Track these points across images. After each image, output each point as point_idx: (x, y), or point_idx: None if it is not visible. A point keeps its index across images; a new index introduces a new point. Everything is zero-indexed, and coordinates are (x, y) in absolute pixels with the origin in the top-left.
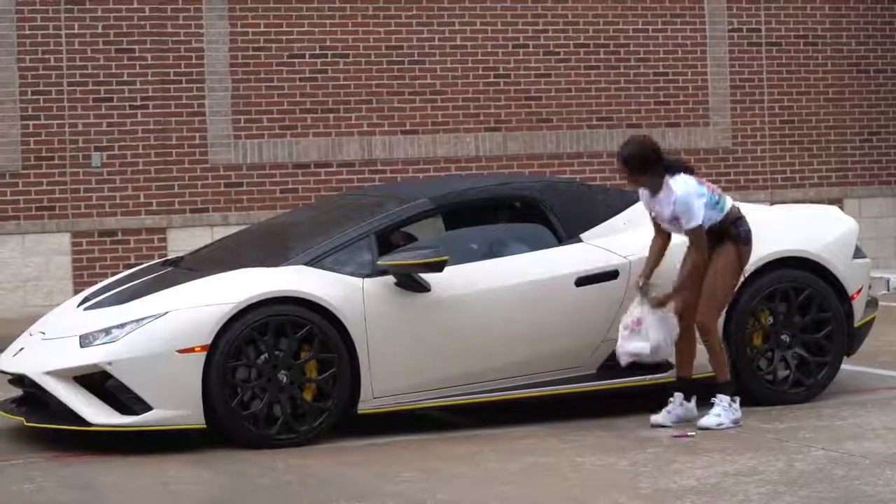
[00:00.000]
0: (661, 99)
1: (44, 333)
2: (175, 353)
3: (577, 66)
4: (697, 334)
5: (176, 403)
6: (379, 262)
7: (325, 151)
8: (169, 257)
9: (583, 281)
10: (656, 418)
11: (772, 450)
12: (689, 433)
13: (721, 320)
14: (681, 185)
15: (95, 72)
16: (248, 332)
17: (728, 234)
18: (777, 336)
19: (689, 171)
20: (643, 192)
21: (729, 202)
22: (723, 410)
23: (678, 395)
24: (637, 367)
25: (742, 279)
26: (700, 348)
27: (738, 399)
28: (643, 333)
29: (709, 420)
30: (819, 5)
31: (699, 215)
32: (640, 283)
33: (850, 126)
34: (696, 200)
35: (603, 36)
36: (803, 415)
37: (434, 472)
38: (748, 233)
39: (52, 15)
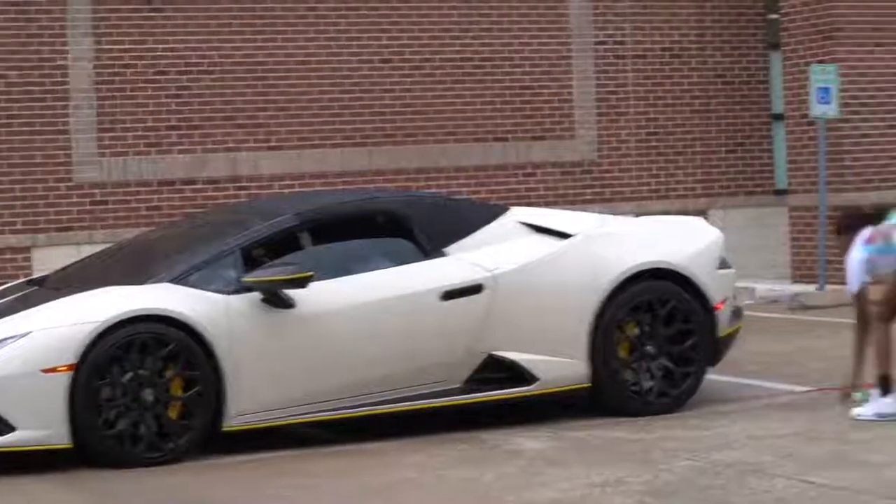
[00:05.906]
0: (528, 112)
1: None
2: (39, 373)
3: (443, 80)
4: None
5: (40, 423)
6: (243, 279)
7: (190, 168)
8: (33, 277)
9: (448, 295)
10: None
11: (638, 461)
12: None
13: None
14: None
15: None
16: (112, 351)
17: None
18: (642, 347)
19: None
20: None
21: None
22: (872, 401)
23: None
24: (504, 380)
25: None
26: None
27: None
28: None
29: (856, 408)
30: (684, 18)
31: (852, 282)
32: None
33: (715, 137)
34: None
35: (468, 50)
36: (670, 425)
37: (303, 487)
38: None
39: None
